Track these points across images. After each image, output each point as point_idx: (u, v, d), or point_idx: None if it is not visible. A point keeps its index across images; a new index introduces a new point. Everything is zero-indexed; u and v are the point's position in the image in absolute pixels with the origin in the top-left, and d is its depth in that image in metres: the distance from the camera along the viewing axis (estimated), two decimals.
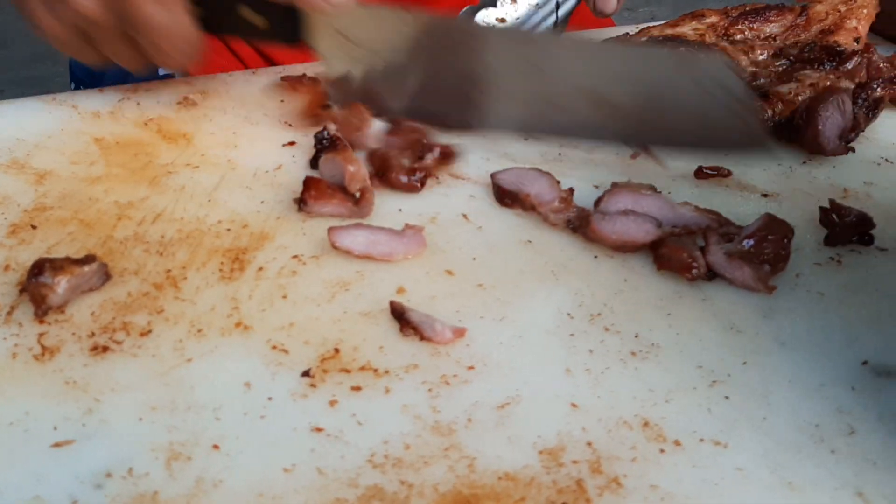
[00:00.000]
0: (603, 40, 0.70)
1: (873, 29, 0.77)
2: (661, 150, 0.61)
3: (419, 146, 0.59)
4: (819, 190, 0.60)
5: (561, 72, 0.62)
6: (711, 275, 0.50)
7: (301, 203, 0.54)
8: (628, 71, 0.61)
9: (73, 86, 0.97)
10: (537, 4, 0.75)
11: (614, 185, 0.56)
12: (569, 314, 0.48)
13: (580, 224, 0.53)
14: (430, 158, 0.58)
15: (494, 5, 0.75)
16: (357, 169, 0.55)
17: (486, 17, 0.74)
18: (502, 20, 0.73)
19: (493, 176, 0.57)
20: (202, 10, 0.59)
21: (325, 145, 0.57)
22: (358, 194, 0.54)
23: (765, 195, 0.59)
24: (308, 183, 0.54)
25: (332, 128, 0.58)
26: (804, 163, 0.62)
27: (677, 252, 0.50)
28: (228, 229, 0.52)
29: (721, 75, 0.59)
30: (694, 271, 0.50)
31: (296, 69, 0.72)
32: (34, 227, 0.52)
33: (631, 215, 0.52)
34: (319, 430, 0.40)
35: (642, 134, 0.61)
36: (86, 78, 0.95)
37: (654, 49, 0.67)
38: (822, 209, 0.55)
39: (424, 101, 0.63)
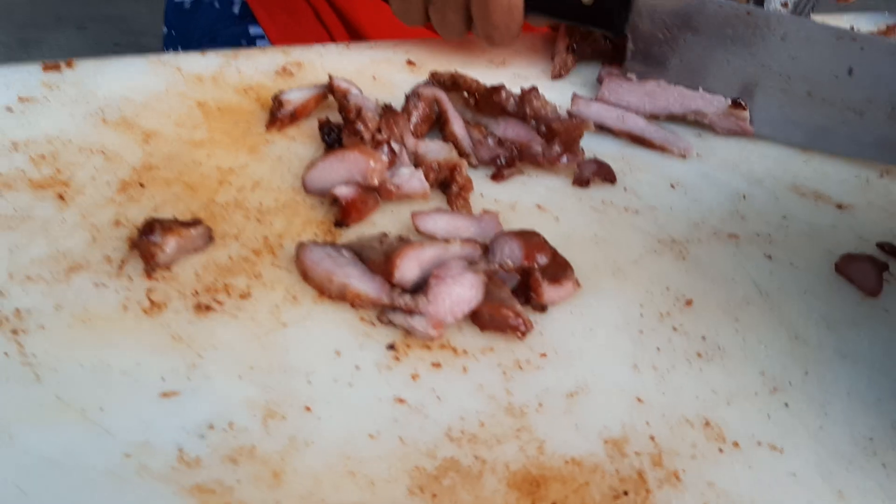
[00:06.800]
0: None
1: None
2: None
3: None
4: (894, 205, 0.61)
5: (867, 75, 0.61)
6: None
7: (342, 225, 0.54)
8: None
9: (165, 30, 1.00)
10: None
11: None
12: (639, 312, 0.50)
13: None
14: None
15: None
16: (377, 164, 0.55)
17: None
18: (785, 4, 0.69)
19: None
20: None
21: (332, 139, 0.59)
22: (456, 189, 0.56)
23: (839, 206, 0.60)
24: (347, 208, 0.54)
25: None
26: (882, 176, 0.63)
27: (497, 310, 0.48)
28: (322, 202, 0.56)
29: None
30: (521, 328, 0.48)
31: (384, 44, 0.74)
32: (142, 186, 0.56)
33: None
34: (402, 401, 0.44)
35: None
36: (178, 23, 0.98)
37: None
38: (878, 245, 0.56)
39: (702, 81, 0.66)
